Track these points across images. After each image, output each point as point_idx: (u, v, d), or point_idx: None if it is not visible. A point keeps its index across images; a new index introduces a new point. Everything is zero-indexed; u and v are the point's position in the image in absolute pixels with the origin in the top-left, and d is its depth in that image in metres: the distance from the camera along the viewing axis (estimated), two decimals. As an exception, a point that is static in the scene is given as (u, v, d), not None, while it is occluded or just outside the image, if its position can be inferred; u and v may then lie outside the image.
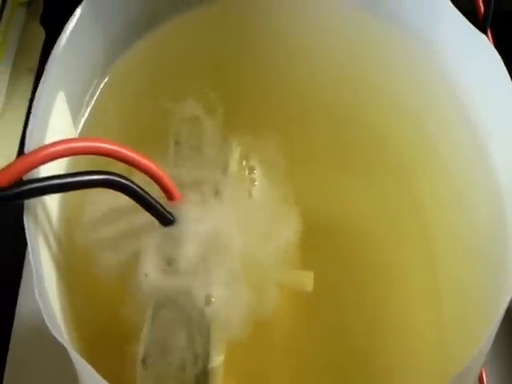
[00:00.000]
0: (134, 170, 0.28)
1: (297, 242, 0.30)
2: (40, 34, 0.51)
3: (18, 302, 0.42)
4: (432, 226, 0.32)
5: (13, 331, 0.42)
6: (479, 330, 0.25)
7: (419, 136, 0.33)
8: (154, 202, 0.29)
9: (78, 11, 0.31)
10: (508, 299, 0.25)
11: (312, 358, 0.31)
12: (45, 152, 0.27)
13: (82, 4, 0.32)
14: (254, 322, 0.29)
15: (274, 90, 0.35)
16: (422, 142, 0.33)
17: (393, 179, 0.33)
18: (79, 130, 0.33)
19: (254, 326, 0.29)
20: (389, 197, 0.33)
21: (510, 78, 0.29)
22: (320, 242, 0.32)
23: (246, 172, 0.32)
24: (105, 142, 0.28)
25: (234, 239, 0.30)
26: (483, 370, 0.38)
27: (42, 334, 0.26)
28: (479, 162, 0.31)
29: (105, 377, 0.24)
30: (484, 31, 0.37)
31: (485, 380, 0.39)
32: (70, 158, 0.30)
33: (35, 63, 0.49)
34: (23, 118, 0.48)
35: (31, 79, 0.49)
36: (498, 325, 0.25)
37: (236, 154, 0.32)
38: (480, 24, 0.33)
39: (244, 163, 0.32)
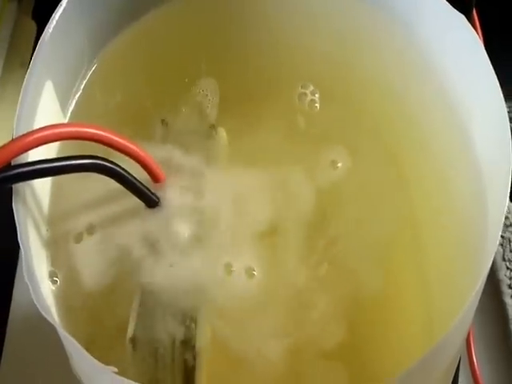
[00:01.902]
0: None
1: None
2: (32, 29, 0.51)
3: (13, 292, 0.42)
4: (416, 203, 0.33)
5: (9, 321, 0.42)
6: (465, 289, 0.26)
7: (402, 116, 0.34)
8: (139, 184, 0.29)
9: (64, 1, 0.32)
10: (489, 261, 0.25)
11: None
12: (32, 137, 0.27)
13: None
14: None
15: (259, 76, 0.36)
16: (405, 121, 0.33)
17: (376, 158, 0.33)
18: (68, 117, 0.34)
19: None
20: (372, 175, 0.33)
21: (488, 60, 0.29)
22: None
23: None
24: (91, 127, 0.28)
25: (221, 217, 0.30)
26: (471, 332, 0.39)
27: (38, 323, 0.27)
28: (460, 143, 0.31)
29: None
30: (469, 10, 0.37)
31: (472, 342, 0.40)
32: (62, 144, 0.31)
33: (27, 58, 0.50)
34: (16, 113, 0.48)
35: (24, 74, 0.49)
36: (484, 281, 0.25)
37: (223, 138, 0.33)
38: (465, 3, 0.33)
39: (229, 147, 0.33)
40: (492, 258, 0.26)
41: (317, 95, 0.35)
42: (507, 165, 0.27)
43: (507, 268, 0.44)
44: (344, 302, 0.31)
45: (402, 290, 0.32)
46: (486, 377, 0.41)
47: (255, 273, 0.30)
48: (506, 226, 0.45)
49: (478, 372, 0.40)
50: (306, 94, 0.35)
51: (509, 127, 0.28)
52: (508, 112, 0.55)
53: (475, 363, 0.41)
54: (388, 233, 0.32)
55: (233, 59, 0.36)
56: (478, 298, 0.26)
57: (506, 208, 0.27)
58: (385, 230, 0.32)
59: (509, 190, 0.27)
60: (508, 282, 0.43)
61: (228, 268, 0.30)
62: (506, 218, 0.45)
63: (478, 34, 0.39)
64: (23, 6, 0.52)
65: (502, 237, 0.45)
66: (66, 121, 0.33)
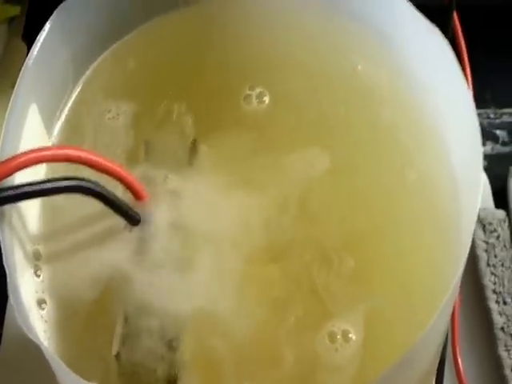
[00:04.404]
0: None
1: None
2: (22, 50, 0.52)
3: (7, 310, 0.43)
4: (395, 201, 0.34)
5: (3, 338, 0.43)
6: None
7: (380, 123, 0.35)
8: (121, 204, 0.30)
9: (47, 25, 0.33)
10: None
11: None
12: (16, 161, 0.28)
13: (51, 18, 0.33)
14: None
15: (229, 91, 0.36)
16: (383, 130, 0.34)
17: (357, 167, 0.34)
18: (54, 138, 0.35)
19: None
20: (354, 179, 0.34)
21: (459, 68, 0.30)
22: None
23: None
24: (73, 150, 0.29)
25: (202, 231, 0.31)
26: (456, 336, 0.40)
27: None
28: (435, 144, 0.33)
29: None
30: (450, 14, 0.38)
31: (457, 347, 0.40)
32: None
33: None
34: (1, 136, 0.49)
35: (14, 95, 0.50)
36: (460, 277, 0.26)
37: (205, 155, 0.34)
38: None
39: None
40: (467, 253, 0.27)
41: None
42: (478, 166, 0.28)
43: (492, 273, 0.44)
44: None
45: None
46: (472, 381, 0.42)
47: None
48: (490, 231, 0.46)
49: (463, 376, 0.41)
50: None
51: (479, 132, 0.29)
52: (494, 118, 0.56)
53: (460, 368, 0.41)
54: (368, 231, 0.32)
55: (209, 76, 0.36)
56: (454, 296, 0.27)
57: (478, 205, 0.28)
58: (365, 229, 0.33)
59: (481, 190, 0.28)
60: (492, 287, 0.44)
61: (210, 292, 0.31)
62: (490, 223, 0.46)
63: (458, 39, 0.41)
64: (13, 28, 0.53)
65: (486, 243, 0.45)
66: (50, 142, 0.34)
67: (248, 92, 0.35)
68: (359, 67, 0.36)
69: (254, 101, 0.35)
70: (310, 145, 0.34)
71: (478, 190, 0.28)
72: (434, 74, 0.33)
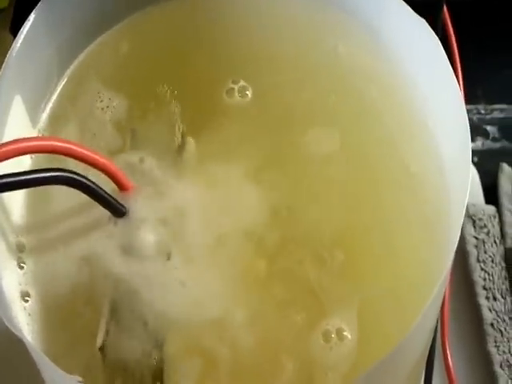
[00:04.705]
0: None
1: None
2: (9, 42, 0.51)
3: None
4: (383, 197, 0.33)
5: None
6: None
7: (367, 115, 0.34)
8: (106, 195, 0.30)
9: (31, 17, 0.32)
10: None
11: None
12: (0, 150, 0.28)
13: (35, 10, 0.33)
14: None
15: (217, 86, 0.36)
16: (369, 120, 0.34)
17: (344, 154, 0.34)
18: (39, 130, 0.34)
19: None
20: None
21: (449, 64, 0.30)
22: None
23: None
24: (59, 141, 0.29)
25: (189, 223, 0.31)
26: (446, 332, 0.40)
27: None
28: (424, 140, 0.33)
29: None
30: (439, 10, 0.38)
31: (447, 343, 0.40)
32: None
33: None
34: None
35: (2, 87, 0.50)
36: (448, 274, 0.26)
37: (191, 146, 0.33)
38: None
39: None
40: (454, 250, 0.27)
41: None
42: (467, 161, 0.28)
43: (481, 269, 0.44)
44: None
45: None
46: (461, 377, 0.42)
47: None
48: (480, 227, 0.46)
49: (452, 372, 0.41)
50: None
51: (468, 126, 0.29)
52: (485, 114, 0.56)
53: (450, 363, 0.41)
54: (357, 227, 0.32)
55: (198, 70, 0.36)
56: (442, 293, 0.27)
57: (466, 201, 0.28)
58: (354, 225, 0.32)
59: (468, 186, 0.28)
60: (482, 283, 0.44)
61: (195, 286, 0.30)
62: (480, 219, 0.46)
63: (449, 34, 0.41)
64: (1, 21, 0.52)
65: (476, 238, 0.45)
66: (35, 134, 0.34)
67: (231, 85, 0.35)
68: (344, 55, 0.35)
69: (237, 95, 0.35)
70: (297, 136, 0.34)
71: (467, 186, 0.28)
72: (423, 69, 0.33)
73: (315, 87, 0.35)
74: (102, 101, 0.35)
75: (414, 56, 0.33)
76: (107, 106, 0.35)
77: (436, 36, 0.31)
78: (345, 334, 0.30)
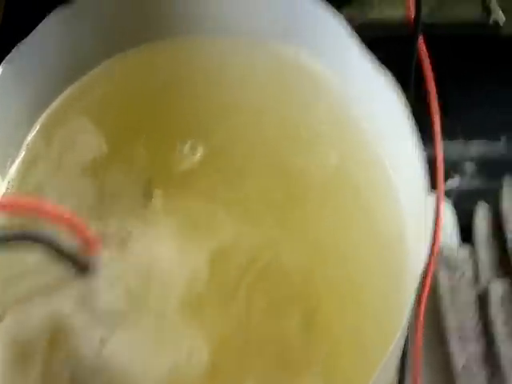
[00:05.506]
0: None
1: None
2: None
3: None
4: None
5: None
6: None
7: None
8: (70, 252, 0.30)
9: (0, 68, 0.33)
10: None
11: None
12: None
13: (5, 60, 0.33)
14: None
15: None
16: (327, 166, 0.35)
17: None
18: (8, 182, 0.34)
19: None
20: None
21: (405, 110, 0.31)
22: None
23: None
24: (23, 200, 0.29)
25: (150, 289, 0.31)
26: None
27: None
28: (383, 181, 0.34)
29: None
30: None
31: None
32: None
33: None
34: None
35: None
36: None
37: (159, 201, 0.34)
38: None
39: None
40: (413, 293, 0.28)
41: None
42: (423, 198, 0.29)
43: (455, 312, 0.44)
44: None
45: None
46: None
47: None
48: (454, 269, 0.46)
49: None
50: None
51: (424, 171, 0.30)
52: (463, 151, 0.56)
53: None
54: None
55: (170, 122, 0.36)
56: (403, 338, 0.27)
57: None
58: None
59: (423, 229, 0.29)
60: (455, 326, 0.44)
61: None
62: (454, 261, 0.46)
63: (425, 68, 0.41)
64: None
65: (450, 281, 0.45)
66: (4, 185, 0.34)
67: (182, 144, 0.35)
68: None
69: (189, 152, 0.35)
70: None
71: (423, 226, 0.29)
72: (380, 114, 0.33)
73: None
74: (71, 153, 0.35)
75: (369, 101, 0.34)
76: (77, 159, 0.35)
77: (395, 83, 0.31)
78: None
